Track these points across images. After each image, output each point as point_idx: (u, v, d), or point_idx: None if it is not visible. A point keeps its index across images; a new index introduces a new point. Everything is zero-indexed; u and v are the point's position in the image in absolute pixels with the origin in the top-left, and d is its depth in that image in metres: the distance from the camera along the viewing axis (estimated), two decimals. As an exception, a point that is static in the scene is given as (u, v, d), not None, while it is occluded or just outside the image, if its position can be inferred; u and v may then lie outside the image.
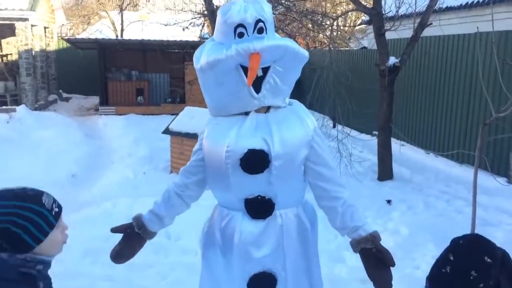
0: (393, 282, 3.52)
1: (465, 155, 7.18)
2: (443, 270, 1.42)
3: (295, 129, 1.83)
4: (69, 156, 8.40)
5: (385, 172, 6.89)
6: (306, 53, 1.85)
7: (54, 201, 1.49)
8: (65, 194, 6.54)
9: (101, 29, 16.00)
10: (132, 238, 2.00)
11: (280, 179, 1.81)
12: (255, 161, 1.77)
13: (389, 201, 5.81)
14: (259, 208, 1.84)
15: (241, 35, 1.75)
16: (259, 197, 1.82)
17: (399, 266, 3.80)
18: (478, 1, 7.53)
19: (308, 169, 1.89)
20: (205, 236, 2.00)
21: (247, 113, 1.86)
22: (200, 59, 1.81)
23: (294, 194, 1.93)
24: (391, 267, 1.90)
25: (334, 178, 1.91)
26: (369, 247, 1.87)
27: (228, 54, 1.72)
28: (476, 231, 3.77)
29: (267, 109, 1.88)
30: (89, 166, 8.05)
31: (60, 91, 15.84)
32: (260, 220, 1.85)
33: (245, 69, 1.74)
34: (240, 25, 1.74)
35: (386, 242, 4.28)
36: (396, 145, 7.42)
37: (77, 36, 13.59)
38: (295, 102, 1.99)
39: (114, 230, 2.05)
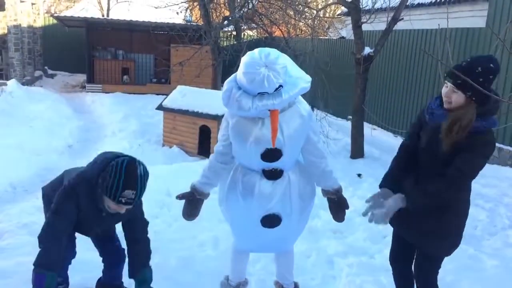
0: (359, 233, 4.30)
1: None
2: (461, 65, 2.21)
3: (298, 127, 2.47)
4: (63, 129, 8.87)
5: (357, 151, 7.63)
6: (308, 85, 2.38)
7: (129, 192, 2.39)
8: (64, 161, 7.08)
9: (87, 8, 16.20)
10: (195, 201, 2.70)
11: (288, 159, 2.54)
12: (272, 156, 2.46)
13: (359, 175, 6.59)
14: (273, 175, 2.55)
15: (262, 94, 2.24)
16: (273, 169, 2.53)
17: (364, 221, 4.58)
18: None
19: (302, 147, 2.60)
20: (228, 184, 2.66)
21: None
22: (229, 101, 2.35)
23: (296, 160, 2.67)
24: (346, 210, 2.76)
25: (318, 153, 2.64)
26: (333, 197, 2.72)
27: (253, 110, 2.26)
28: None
29: None
30: (84, 138, 8.55)
31: (46, 67, 16.05)
32: (273, 180, 2.56)
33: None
34: (263, 92, 2.23)
35: (355, 204, 5.09)
36: (368, 129, 8.19)
37: (63, 14, 13.81)
38: (298, 99, 2.52)
39: (180, 197, 2.72)
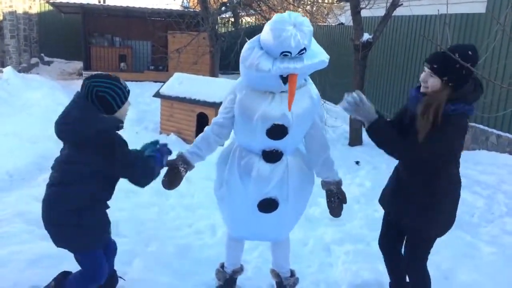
0: (357, 221, 4.30)
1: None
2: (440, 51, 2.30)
3: (307, 107, 2.45)
4: (60, 117, 8.81)
5: (355, 138, 7.64)
6: (327, 60, 2.33)
7: (125, 84, 2.41)
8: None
9: (83, -6, 15.99)
10: (177, 172, 2.58)
11: (292, 139, 2.51)
12: (278, 132, 2.42)
13: (357, 162, 6.59)
14: (273, 157, 2.52)
15: (285, 55, 2.21)
16: (274, 151, 2.50)
17: (362, 208, 4.61)
18: (446, -15, 8.19)
19: (307, 132, 2.58)
20: (228, 168, 2.63)
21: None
22: (248, 60, 2.28)
23: (297, 145, 2.64)
24: (343, 204, 2.70)
25: (322, 140, 2.62)
26: (332, 188, 2.67)
27: (273, 71, 2.21)
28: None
29: None
30: (81, 126, 8.50)
31: (42, 54, 15.92)
32: (272, 163, 2.53)
33: (282, 77, 2.27)
34: (287, 51, 2.19)
35: (353, 191, 5.08)
36: (367, 115, 8.15)
37: (59, 0, 13.63)
38: (308, 81, 2.53)
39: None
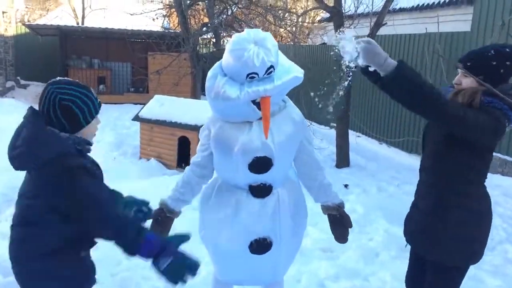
0: (351, 252, 4.03)
1: (413, 145, 7.86)
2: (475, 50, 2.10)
3: (290, 133, 2.19)
4: (35, 142, 8.42)
5: (342, 159, 7.41)
6: (302, 75, 2.09)
7: (96, 95, 1.97)
8: (34, 178, 6.66)
9: (61, 16, 15.71)
10: (164, 220, 2.34)
11: (278, 171, 2.23)
12: (261, 166, 2.14)
13: (346, 186, 6.34)
14: (261, 191, 2.24)
15: (252, 77, 1.97)
16: (261, 184, 2.22)
17: (355, 238, 4.33)
18: (428, 4, 8.18)
19: (296, 156, 2.32)
20: (211, 206, 2.35)
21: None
22: (213, 90, 2.03)
23: (286, 175, 2.36)
24: (349, 228, 2.44)
25: (314, 164, 2.37)
26: (334, 213, 2.40)
27: (241, 97, 1.96)
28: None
29: None
30: (56, 152, 8.12)
31: (18, 77, 15.49)
32: (261, 199, 2.25)
33: (254, 102, 2.01)
34: (253, 72, 1.96)
35: (344, 218, 4.77)
36: (353, 136, 7.98)
37: (36, 22, 13.32)
38: (288, 102, 2.28)
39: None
